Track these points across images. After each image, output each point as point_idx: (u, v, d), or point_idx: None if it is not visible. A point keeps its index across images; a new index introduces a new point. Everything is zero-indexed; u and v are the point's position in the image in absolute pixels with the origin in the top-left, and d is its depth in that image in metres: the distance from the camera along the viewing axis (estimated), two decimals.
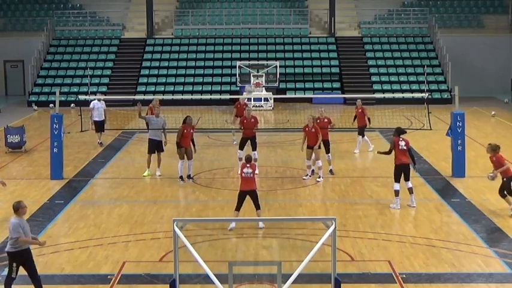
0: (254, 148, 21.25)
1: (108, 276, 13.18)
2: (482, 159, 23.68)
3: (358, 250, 14.59)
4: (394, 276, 13.12)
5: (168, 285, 8.94)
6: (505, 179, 17.20)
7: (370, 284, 12.87)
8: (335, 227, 8.64)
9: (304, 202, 18.43)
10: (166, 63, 42.23)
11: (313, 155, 20.16)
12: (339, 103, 38.53)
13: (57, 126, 20.99)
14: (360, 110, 24.36)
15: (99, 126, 26.10)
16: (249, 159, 15.89)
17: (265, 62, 39.75)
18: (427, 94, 25.15)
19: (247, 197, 15.61)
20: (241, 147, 21.23)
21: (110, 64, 42.39)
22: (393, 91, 39.57)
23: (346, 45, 43.30)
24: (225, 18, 44.78)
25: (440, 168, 22.08)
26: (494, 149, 17.43)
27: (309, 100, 38.82)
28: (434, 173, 21.75)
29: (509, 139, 27.97)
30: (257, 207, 15.68)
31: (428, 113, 23.68)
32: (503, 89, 42.72)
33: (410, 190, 17.71)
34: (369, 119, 24.41)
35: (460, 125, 20.80)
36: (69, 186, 20.39)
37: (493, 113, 33.98)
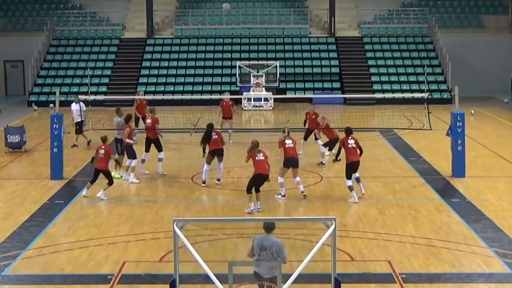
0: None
1: (108, 276, 13.18)
2: (482, 159, 23.73)
3: (358, 250, 14.59)
4: (394, 276, 13.12)
5: (168, 285, 8.94)
6: None
7: (370, 284, 12.87)
8: (335, 227, 8.63)
9: (304, 202, 18.43)
10: (166, 63, 42.23)
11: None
12: (339, 103, 38.55)
13: (57, 126, 21.01)
14: (313, 116, 24.06)
15: (77, 128, 25.99)
16: (104, 139, 18.95)
17: (265, 62, 39.76)
18: (427, 94, 25.15)
19: None
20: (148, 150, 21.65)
21: (110, 64, 42.40)
22: (393, 91, 39.57)
23: (346, 45, 43.30)
24: (225, 18, 44.78)
25: (440, 168, 22.08)
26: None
27: (309, 100, 38.77)
28: (434, 173, 21.75)
29: (509, 139, 27.99)
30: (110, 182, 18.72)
31: (428, 113, 23.68)
32: (503, 89, 42.71)
33: (358, 179, 18.65)
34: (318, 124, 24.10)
35: (460, 125, 20.80)
36: (69, 186, 20.40)
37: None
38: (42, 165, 22.74)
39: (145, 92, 39.63)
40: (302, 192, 18.61)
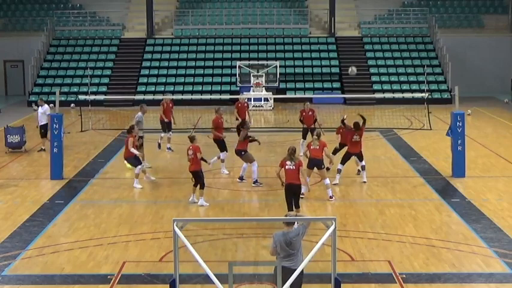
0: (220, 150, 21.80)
1: (108, 276, 13.18)
2: (482, 159, 23.73)
3: (358, 250, 14.59)
4: (394, 276, 13.12)
5: (168, 285, 8.94)
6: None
7: (370, 284, 12.87)
8: (335, 227, 8.64)
9: (304, 202, 18.42)
10: (166, 63, 42.24)
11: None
12: (339, 103, 38.54)
13: (57, 126, 21.00)
14: (309, 113, 23.94)
15: (42, 132, 25.56)
16: (191, 139, 17.90)
17: (265, 62, 39.75)
18: (427, 94, 25.15)
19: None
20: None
21: (110, 64, 42.40)
22: (393, 91, 39.56)
23: (346, 45, 43.30)
24: (225, 18, 44.79)
25: (440, 168, 22.08)
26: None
27: (309, 100, 38.71)
28: (434, 173, 21.75)
29: (509, 139, 27.99)
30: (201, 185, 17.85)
31: (428, 113, 23.70)
32: (503, 89, 42.72)
33: (363, 168, 20.56)
34: (315, 120, 23.79)
35: (460, 125, 20.80)
36: (69, 186, 20.40)
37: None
38: (42, 165, 22.74)
39: (145, 92, 39.71)
40: (330, 197, 18.52)
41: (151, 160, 22.71)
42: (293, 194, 15.89)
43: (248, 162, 20.09)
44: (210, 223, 16.05)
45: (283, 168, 15.86)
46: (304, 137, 23.92)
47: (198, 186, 17.82)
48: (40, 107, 25.75)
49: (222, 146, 21.62)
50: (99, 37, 44.19)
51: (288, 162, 15.80)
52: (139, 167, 19.98)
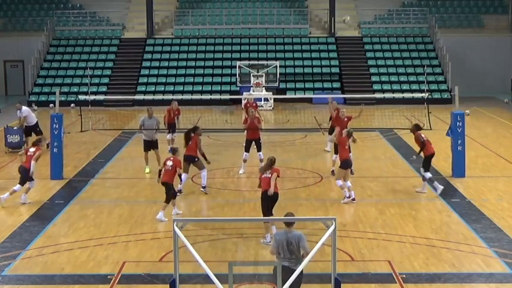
0: (259, 149, 21.37)
1: (108, 276, 13.18)
2: (482, 159, 23.73)
3: (358, 250, 14.59)
4: (394, 276, 13.12)
5: (168, 285, 8.94)
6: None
7: (370, 284, 12.87)
8: (335, 227, 8.64)
9: (304, 202, 18.42)
10: (166, 63, 42.24)
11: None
12: (339, 103, 38.47)
13: (57, 126, 21.01)
14: (335, 112, 23.81)
15: (37, 130, 25.55)
16: (174, 151, 17.10)
17: (265, 62, 39.75)
18: (427, 94, 25.12)
19: None
20: (247, 150, 21.30)
21: (110, 64, 42.40)
22: (393, 91, 39.57)
23: (346, 45, 43.31)
24: (225, 18, 44.80)
25: (440, 168, 22.06)
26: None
27: (309, 100, 38.83)
28: (434, 173, 21.68)
29: (509, 139, 27.99)
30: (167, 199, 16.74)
31: (428, 113, 23.68)
32: (503, 89, 42.73)
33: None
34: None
35: (460, 125, 20.80)
36: (69, 186, 20.40)
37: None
38: (42, 165, 22.71)
39: (145, 92, 39.71)
40: (352, 199, 18.16)
41: (152, 160, 22.69)
42: (270, 201, 15.04)
43: (200, 168, 19.35)
44: (210, 223, 16.05)
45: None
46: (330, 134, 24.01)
47: (166, 200, 16.80)
48: (19, 110, 25.74)
49: (259, 144, 21.40)
50: (99, 37, 44.20)
51: (265, 172, 15.05)
52: (30, 184, 18.40)
